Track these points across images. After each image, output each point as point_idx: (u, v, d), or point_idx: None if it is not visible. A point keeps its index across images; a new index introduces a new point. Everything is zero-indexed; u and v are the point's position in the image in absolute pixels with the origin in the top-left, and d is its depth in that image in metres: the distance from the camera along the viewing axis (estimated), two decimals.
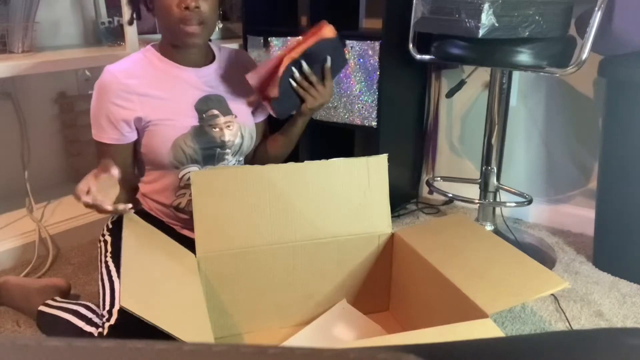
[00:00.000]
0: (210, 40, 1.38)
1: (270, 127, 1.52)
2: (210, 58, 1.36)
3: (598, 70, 1.52)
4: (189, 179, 1.26)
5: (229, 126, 1.31)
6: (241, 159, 1.39)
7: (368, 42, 1.83)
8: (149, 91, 1.24)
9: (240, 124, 1.34)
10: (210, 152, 1.29)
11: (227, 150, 1.32)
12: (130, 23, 1.38)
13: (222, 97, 1.33)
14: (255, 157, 1.47)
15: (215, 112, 1.30)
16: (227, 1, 1.38)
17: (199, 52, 1.32)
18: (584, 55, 1.38)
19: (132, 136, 1.26)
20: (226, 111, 1.32)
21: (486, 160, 1.79)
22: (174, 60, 1.29)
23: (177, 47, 1.28)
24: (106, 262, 1.22)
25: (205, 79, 1.32)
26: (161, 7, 1.20)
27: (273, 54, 2.05)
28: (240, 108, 1.35)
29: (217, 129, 1.30)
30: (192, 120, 1.27)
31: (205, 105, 1.30)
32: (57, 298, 1.32)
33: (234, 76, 1.38)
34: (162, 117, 1.23)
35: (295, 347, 0.23)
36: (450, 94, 1.93)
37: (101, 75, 1.23)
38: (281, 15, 2.21)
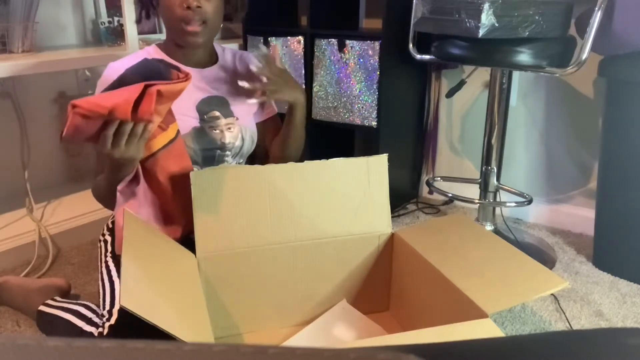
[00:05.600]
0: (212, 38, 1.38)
1: None
2: (213, 59, 1.36)
3: (598, 70, 1.52)
4: None
5: (229, 128, 1.31)
6: (241, 160, 1.39)
7: (368, 42, 1.83)
8: None
9: (241, 127, 1.34)
10: (210, 153, 1.29)
11: (227, 153, 1.32)
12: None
13: (224, 98, 1.33)
14: (270, 156, 1.46)
15: (217, 113, 1.30)
16: (232, 2, 1.37)
17: (202, 52, 1.32)
18: (584, 55, 1.38)
19: None
20: (228, 113, 1.32)
21: (486, 160, 1.79)
22: (178, 60, 1.29)
23: (180, 47, 1.28)
24: (106, 262, 1.22)
25: (208, 80, 1.32)
26: (164, 6, 1.21)
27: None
28: (242, 110, 1.35)
29: (218, 131, 1.29)
30: (193, 121, 1.27)
31: (207, 107, 1.29)
32: (57, 298, 1.32)
33: (237, 78, 1.38)
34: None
35: (295, 347, 0.23)
36: (450, 94, 1.93)
37: (104, 71, 1.24)
38: (281, 15, 2.21)
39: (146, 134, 1.02)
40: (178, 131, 1.18)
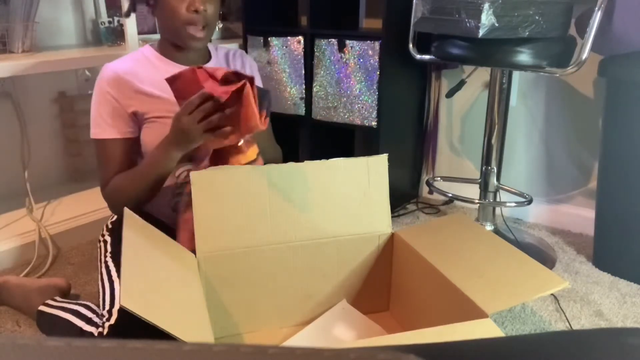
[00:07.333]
0: (210, 40, 1.38)
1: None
2: (207, 58, 1.37)
3: (598, 70, 1.52)
4: (185, 177, 1.27)
5: None
6: None
7: (368, 42, 1.83)
8: (146, 88, 1.24)
9: None
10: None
11: None
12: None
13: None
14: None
15: None
16: (225, 3, 1.38)
17: (197, 52, 1.33)
18: (584, 55, 1.38)
19: (133, 132, 1.26)
20: None
21: (486, 160, 1.79)
22: (174, 60, 1.30)
23: (176, 47, 1.29)
24: (106, 262, 1.22)
25: None
26: (167, 8, 1.21)
27: (273, 54, 2.05)
28: None
29: None
30: None
31: None
32: (57, 298, 1.32)
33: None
34: (158, 115, 1.23)
35: (295, 347, 0.23)
36: (450, 94, 1.93)
37: (100, 72, 1.24)
38: (281, 15, 2.21)
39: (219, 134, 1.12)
40: (258, 153, 1.24)
